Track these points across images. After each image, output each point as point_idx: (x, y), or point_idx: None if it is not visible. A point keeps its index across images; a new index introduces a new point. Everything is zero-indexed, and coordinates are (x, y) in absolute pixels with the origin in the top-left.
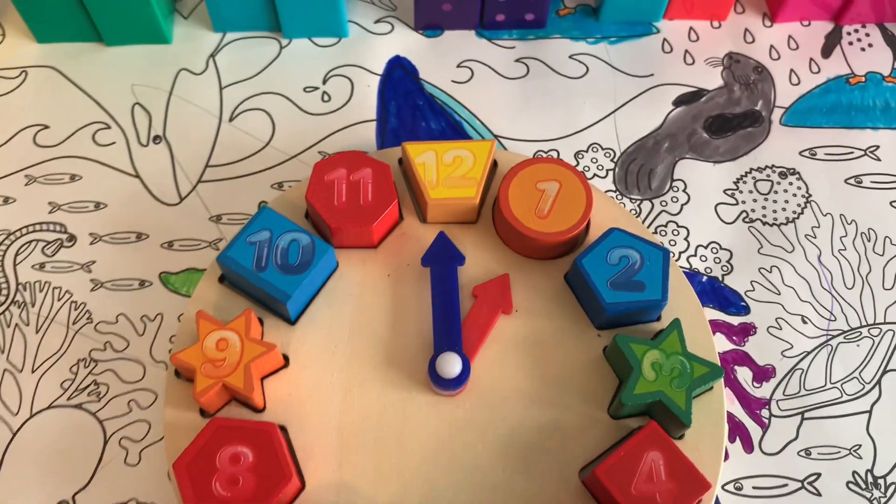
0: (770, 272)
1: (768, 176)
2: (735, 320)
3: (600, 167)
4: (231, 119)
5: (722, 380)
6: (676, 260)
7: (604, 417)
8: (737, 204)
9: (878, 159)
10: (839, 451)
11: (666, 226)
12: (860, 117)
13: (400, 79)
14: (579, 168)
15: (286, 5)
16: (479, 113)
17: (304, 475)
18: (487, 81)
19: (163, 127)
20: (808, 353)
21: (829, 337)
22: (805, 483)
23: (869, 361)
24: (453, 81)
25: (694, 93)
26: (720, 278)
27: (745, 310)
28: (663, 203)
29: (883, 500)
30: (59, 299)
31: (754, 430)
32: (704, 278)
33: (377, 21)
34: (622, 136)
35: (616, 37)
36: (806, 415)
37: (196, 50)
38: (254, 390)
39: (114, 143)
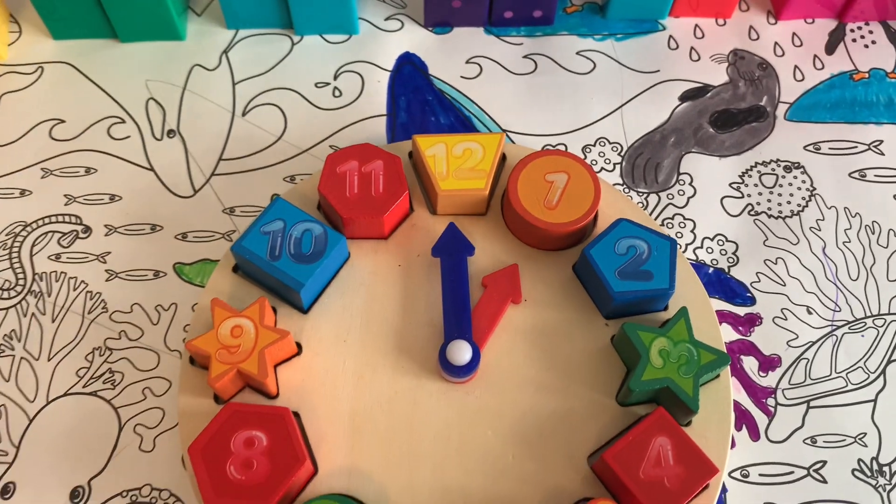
0: (775, 264)
1: (773, 170)
2: (741, 311)
3: (608, 161)
4: (244, 114)
5: (728, 368)
6: (683, 252)
7: (612, 405)
8: (742, 197)
9: (882, 153)
10: (844, 440)
11: (672, 218)
12: (864, 112)
13: (410, 75)
14: (587, 162)
15: (298, 3)
16: (488, 108)
17: (317, 460)
18: (496, 77)
19: (177, 121)
20: (814, 343)
21: (835, 327)
22: (811, 470)
23: (874, 351)
24: (462, 77)
25: (700, 88)
26: (726, 270)
27: (751, 300)
28: (670, 196)
29: (888, 487)
30: (74, 289)
31: (760, 418)
32: (711, 270)
33: (387, 18)
34: (629, 130)
35: (623, 34)
36: (811, 403)
37: (209, 46)
38: (268, 376)
39: (128, 136)
